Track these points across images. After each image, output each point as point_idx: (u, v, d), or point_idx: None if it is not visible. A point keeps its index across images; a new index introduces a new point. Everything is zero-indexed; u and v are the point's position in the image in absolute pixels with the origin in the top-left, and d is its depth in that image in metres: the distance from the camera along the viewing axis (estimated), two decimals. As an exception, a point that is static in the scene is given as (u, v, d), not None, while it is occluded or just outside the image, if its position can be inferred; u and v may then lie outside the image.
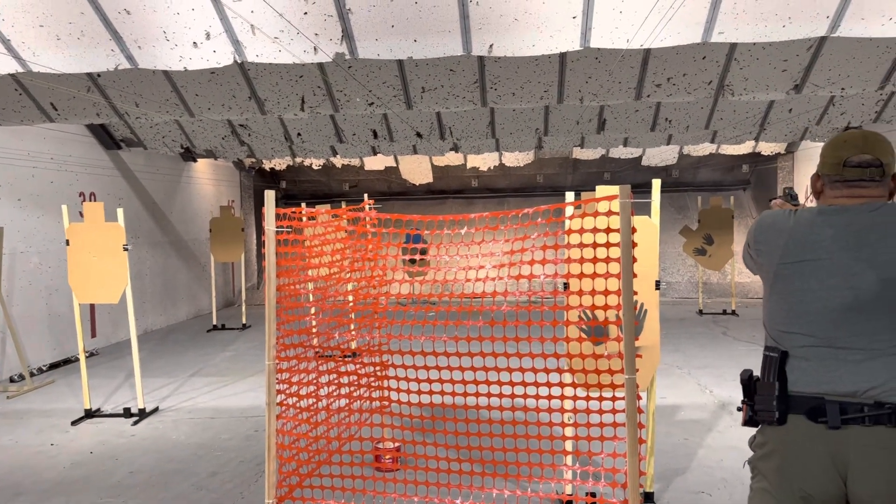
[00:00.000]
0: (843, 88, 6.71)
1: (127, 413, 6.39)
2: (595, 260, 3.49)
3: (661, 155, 13.94)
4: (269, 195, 3.54)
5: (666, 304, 12.99)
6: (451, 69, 6.70)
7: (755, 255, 2.26)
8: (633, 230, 3.06)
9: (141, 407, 6.44)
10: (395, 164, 14.73)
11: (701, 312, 11.60)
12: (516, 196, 15.56)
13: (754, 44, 6.22)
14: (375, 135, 9.79)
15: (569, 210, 4.19)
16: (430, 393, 3.92)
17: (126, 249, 6.18)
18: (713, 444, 5.32)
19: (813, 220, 2.12)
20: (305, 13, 4.51)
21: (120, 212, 6.26)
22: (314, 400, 4.14)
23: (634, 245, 3.05)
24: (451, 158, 14.20)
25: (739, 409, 2.21)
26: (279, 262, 3.69)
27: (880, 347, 1.96)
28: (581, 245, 3.53)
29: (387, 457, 4.82)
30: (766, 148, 13.53)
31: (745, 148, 13.18)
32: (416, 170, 14.95)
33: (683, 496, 4.43)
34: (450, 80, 6.81)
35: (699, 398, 6.61)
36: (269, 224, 3.53)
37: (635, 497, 2.96)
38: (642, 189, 15.27)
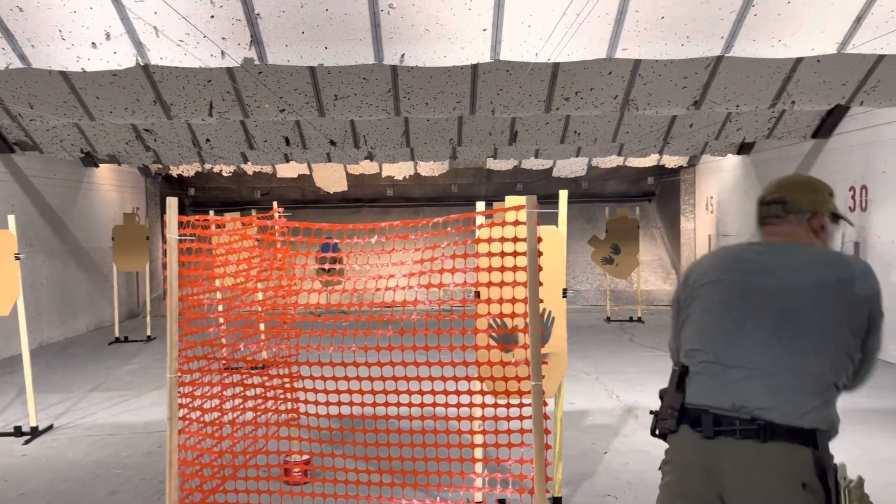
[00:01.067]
0: (737, 105, 7.08)
1: (18, 432, 6.03)
2: (504, 269, 3.54)
3: (571, 167, 14.31)
4: (172, 202, 3.43)
5: (575, 312, 13.31)
6: (364, 77, 6.68)
7: (681, 289, 2.38)
8: (539, 239, 3.12)
9: (33, 425, 6.08)
10: (308, 172, 14.54)
11: (609, 319, 11.95)
12: (431, 205, 15.63)
13: (657, 61, 6.48)
14: (288, 142, 9.63)
15: (479, 219, 4.24)
16: (339, 404, 3.88)
17: (18, 258, 5.84)
18: (619, 448, 5.47)
19: (731, 252, 2.29)
20: (212, 17, 4.40)
21: (11, 218, 5.92)
22: (219, 413, 4.01)
23: (540, 254, 3.11)
24: (366, 167, 14.14)
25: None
26: (182, 271, 3.57)
27: (761, 368, 2.08)
28: (490, 254, 3.58)
29: (296, 470, 4.72)
30: (670, 161, 14.12)
31: (650, 161, 13.70)
32: (331, 178, 14.80)
33: (591, 500, 4.53)
34: (363, 88, 6.79)
35: (607, 403, 6.80)
36: (172, 232, 3.41)
37: (542, 502, 3.01)
38: (553, 199, 15.58)
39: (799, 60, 6.51)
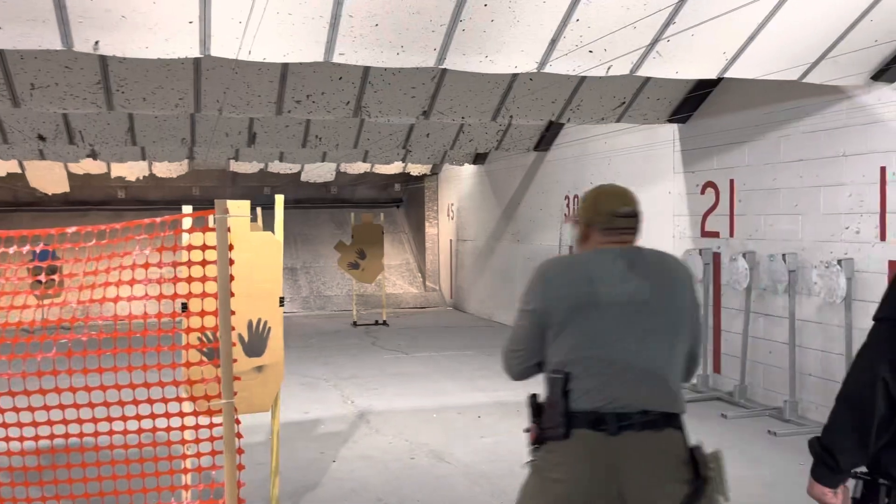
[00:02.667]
0: (463, 117, 7.44)
1: None
2: (206, 279, 3.30)
3: (319, 171, 14.22)
4: None
5: (324, 318, 13.23)
6: (66, 66, 5.98)
7: (543, 300, 2.35)
8: (231, 247, 2.94)
9: None
10: (20, 170, 12.84)
11: (355, 324, 12.01)
12: (170, 208, 14.54)
13: (386, 69, 6.58)
14: (-17, 135, 8.38)
15: (186, 223, 3.94)
16: (21, 439, 3.35)
17: None
18: (347, 455, 5.44)
19: (594, 259, 2.35)
20: None
21: None
22: None
23: (232, 262, 2.93)
24: (91, 166, 12.81)
25: (527, 431, 2.36)
26: None
27: (651, 367, 2.26)
28: (190, 263, 3.32)
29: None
30: (415, 169, 14.60)
31: (395, 168, 14.04)
32: (48, 177, 13.22)
33: (311, 512, 4.43)
34: (66, 77, 6.07)
35: (341, 410, 6.76)
36: None
37: (233, 527, 2.82)
38: (304, 205, 15.34)
39: (514, 78, 7.00)
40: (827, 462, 1.88)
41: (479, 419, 6.31)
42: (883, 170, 5.51)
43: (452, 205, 14.45)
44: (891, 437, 1.69)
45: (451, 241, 14.52)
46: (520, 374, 2.51)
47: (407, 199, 16.53)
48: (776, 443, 5.57)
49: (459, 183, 14.09)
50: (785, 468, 4.95)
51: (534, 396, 2.38)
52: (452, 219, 14.41)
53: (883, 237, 5.52)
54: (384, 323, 12.07)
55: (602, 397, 2.24)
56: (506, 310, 12.03)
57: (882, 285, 5.49)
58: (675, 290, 2.35)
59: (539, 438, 2.33)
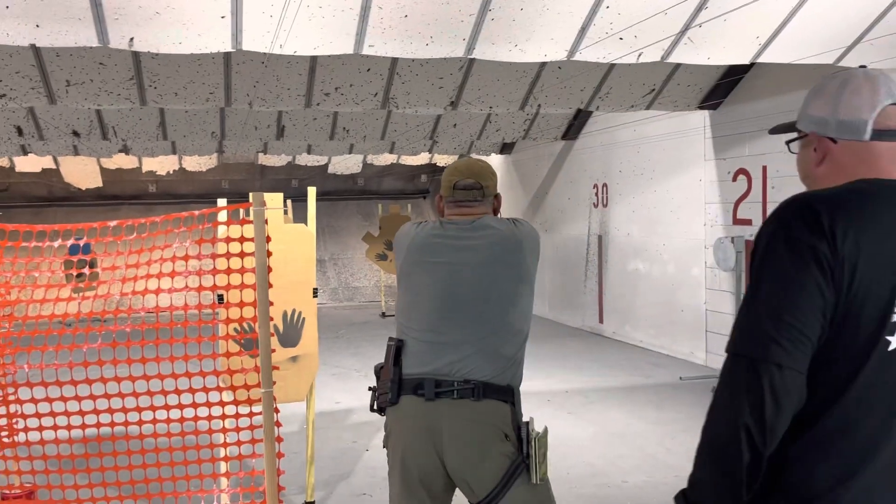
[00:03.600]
0: (491, 107, 7.43)
1: None
2: (244, 270, 3.34)
3: (346, 163, 14.27)
4: None
5: (352, 309, 13.33)
6: (99, 62, 6.07)
7: (395, 258, 2.54)
8: (269, 238, 2.98)
9: None
10: (55, 166, 13.08)
11: (384, 315, 12.08)
12: (200, 202, 14.76)
13: (413, 60, 6.59)
14: (20, 132, 8.55)
15: (221, 216, 4.00)
16: (67, 428, 3.44)
17: None
18: (379, 444, 5.45)
19: (431, 229, 2.46)
20: None
21: None
22: None
23: (269, 254, 2.97)
24: (123, 161, 13.01)
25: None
26: None
27: (470, 337, 2.29)
28: (228, 255, 3.37)
29: (15, 504, 4.15)
30: (441, 160, 14.59)
31: (422, 159, 14.06)
32: (81, 173, 13.44)
33: (346, 500, 4.48)
34: (100, 74, 6.17)
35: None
36: None
37: (274, 513, 2.88)
38: (331, 197, 15.41)
39: (542, 66, 6.97)
40: None
41: (509, 408, 6.33)
42: (921, 154, 5.40)
43: (479, 195, 14.41)
44: (760, 488, 1.46)
45: (478, 231, 14.50)
46: None
47: (433, 190, 16.55)
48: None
49: (486, 173, 14.05)
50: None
51: (380, 364, 2.46)
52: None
53: (921, 223, 5.42)
54: (413, 313, 12.11)
55: (428, 364, 2.29)
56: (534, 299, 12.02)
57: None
58: (500, 262, 2.35)
59: (373, 403, 2.44)
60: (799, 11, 4.83)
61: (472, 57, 4.88)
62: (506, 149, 12.77)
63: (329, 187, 15.58)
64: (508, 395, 2.29)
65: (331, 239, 15.43)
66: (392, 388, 2.31)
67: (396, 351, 2.35)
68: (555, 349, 9.01)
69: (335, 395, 6.92)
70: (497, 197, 2.57)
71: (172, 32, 4.21)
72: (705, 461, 1.42)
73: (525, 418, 2.31)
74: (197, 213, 3.29)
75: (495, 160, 13.49)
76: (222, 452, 3.88)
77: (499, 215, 2.57)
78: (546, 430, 2.28)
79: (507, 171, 13.11)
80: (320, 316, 12.63)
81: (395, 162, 14.37)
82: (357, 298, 14.27)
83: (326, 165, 14.51)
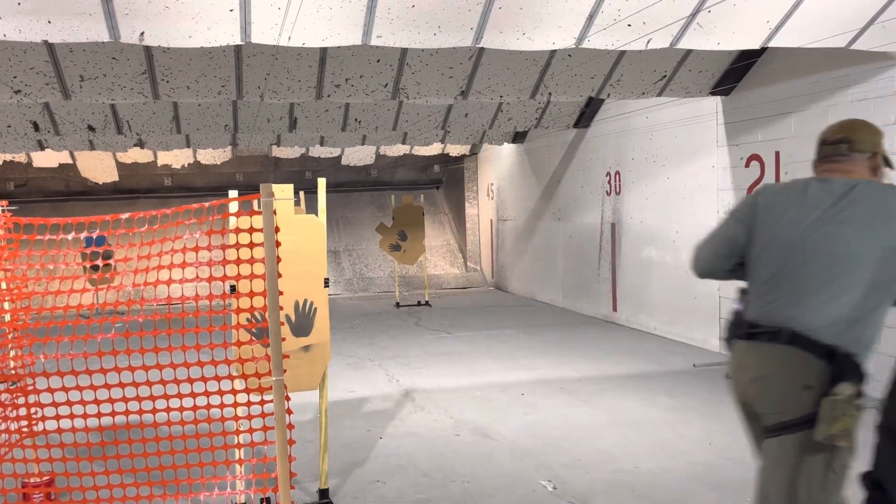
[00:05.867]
0: (501, 96, 7.42)
1: None
2: (254, 260, 3.38)
3: (359, 154, 14.31)
4: None
5: (366, 299, 13.39)
6: (113, 57, 6.13)
7: (751, 214, 2.59)
8: (277, 229, 3.01)
9: None
10: (71, 161, 13.23)
11: (398, 305, 12.13)
12: (215, 194, 14.82)
13: (423, 50, 6.59)
14: (37, 127, 8.66)
15: (233, 207, 4.04)
16: (84, 417, 3.51)
17: None
18: (393, 433, 5.54)
19: (805, 185, 2.49)
20: None
21: None
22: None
23: (278, 244, 3.00)
24: (139, 155, 13.14)
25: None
26: None
27: (808, 290, 2.38)
28: (237, 245, 3.41)
29: (36, 494, 4.25)
30: (453, 150, 14.59)
31: (434, 149, 14.06)
32: (98, 167, 13.58)
33: (360, 487, 4.53)
34: (113, 68, 6.23)
35: (386, 388, 6.87)
36: None
37: (286, 498, 2.93)
38: (345, 188, 15.48)
39: (552, 55, 6.95)
40: (878, 498, 1.81)
41: (522, 396, 6.36)
42: (936, 137, 5.35)
43: (492, 185, 14.43)
44: None
45: (491, 220, 14.52)
46: (705, 269, 2.70)
47: (446, 180, 16.56)
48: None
49: (499, 162, 14.05)
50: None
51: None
52: (492, 199, 14.40)
53: (936, 207, 5.37)
54: (426, 303, 12.17)
55: (760, 312, 2.46)
56: (547, 288, 12.03)
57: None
58: (869, 226, 2.32)
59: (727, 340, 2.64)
60: (810, -6, 4.79)
61: (480, 46, 4.88)
62: (518, 138, 12.74)
63: (343, 178, 15.63)
64: (830, 351, 2.30)
65: (345, 230, 15.50)
66: (735, 328, 2.64)
67: (742, 295, 2.64)
68: (569, 337, 9.02)
69: (349, 384, 6.97)
70: (874, 155, 2.47)
71: (182, 26, 4.25)
72: (885, 441, 1.97)
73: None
74: (207, 204, 3.33)
75: (508, 149, 13.48)
76: (236, 440, 3.94)
77: (878, 177, 2.50)
78: (856, 396, 2.26)
79: (520, 161, 13.09)
80: (335, 306, 12.74)
81: (407, 153, 14.38)
82: (371, 289, 14.34)
83: (340, 157, 14.56)
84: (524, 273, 13.09)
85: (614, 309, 9.91)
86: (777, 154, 6.86)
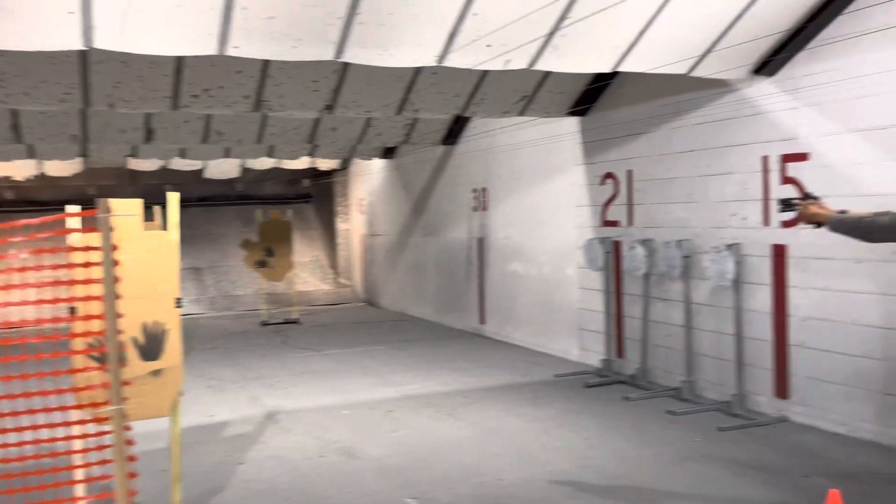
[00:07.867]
0: (367, 111, 7.39)
1: None
2: (93, 281, 3.16)
3: (222, 168, 13.81)
4: None
5: (231, 318, 12.91)
6: (-63, 58, 5.58)
7: None
8: (115, 247, 2.82)
9: None
10: None
11: (265, 323, 11.77)
12: (64, 209, 13.88)
13: (286, 62, 6.45)
14: None
15: (74, 223, 3.75)
16: None
17: None
18: (255, 457, 5.33)
19: None
20: None
21: None
22: None
23: (117, 263, 2.81)
24: (-27, 166, 12.03)
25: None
26: None
27: None
28: (71, 266, 3.17)
29: None
30: (323, 164, 14.41)
31: (303, 163, 13.81)
32: (-75, 178, 12.31)
33: (216, 517, 4.32)
34: (-63, 71, 5.67)
35: (249, 411, 6.61)
36: None
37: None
38: (209, 203, 14.83)
39: (418, 72, 7.00)
40: None
41: (390, 413, 6.31)
42: (765, 159, 5.82)
43: (363, 200, 14.35)
44: None
45: (362, 235, 14.44)
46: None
47: (317, 195, 16.32)
48: (674, 421, 5.82)
49: (369, 177, 14.01)
50: (682, 446, 5.19)
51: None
52: (364, 214, 14.32)
53: (766, 222, 5.85)
54: (295, 321, 11.88)
55: None
56: (419, 303, 12.08)
57: (767, 267, 5.83)
58: None
59: None
60: (654, 23, 5.10)
61: (342, 60, 4.83)
62: (388, 153, 12.76)
63: (206, 192, 15.04)
64: None
65: (209, 246, 14.90)
66: None
67: None
68: (437, 351, 9.07)
69: (209, 408, 6.66)
70: None
71: (16, 28, 3.93)
72: None
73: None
74: (39, 220, 3.07)
75: (378, 164, 13.47)
76: (79, 475, 3.65)
77: None
78: None
79: (391, 176, 13.11)
80: (197, 326, 12.22)
81: (274, 166, 14.04)
82: (237, 307, 13.84)
83: (202, 170, 13.99)
84: (396, 288, 13.09)
85: (482, 322, 10.09)
86: (629, 172, 7.24)
